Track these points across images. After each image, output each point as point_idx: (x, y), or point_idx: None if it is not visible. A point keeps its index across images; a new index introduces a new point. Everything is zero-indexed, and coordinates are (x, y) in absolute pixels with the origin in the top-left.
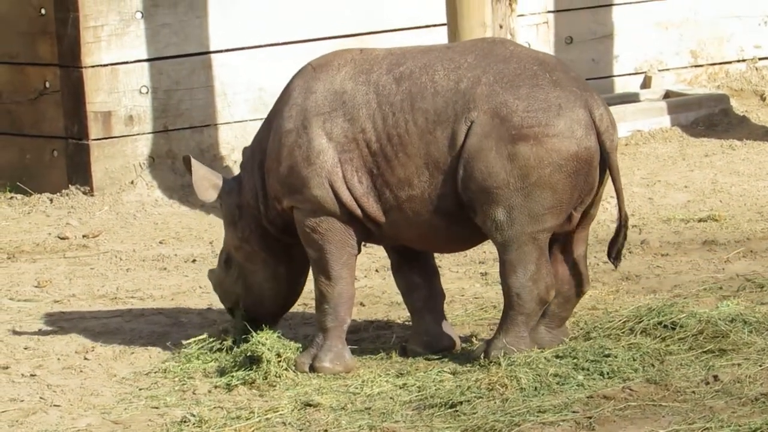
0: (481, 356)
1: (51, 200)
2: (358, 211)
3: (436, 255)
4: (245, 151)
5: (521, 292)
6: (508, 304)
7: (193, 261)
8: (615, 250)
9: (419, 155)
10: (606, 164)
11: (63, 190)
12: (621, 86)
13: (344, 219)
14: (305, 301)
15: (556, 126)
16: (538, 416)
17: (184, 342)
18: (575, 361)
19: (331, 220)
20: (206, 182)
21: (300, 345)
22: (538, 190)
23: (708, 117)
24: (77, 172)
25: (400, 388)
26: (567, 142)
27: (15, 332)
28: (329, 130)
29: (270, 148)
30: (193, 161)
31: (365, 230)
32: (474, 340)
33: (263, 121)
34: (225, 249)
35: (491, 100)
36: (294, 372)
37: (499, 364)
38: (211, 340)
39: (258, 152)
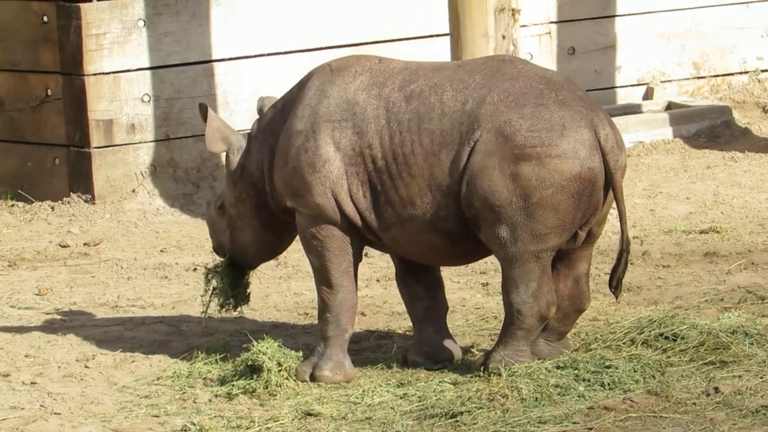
0: (480, 368)
1: (52, 208)
2: (360, 224)
3: None
4: (262, 101)
5: (522, 308)
6: (509, 319)
7: (194, 270)
8: (616, 279)
9: (423, 176)
10: (610, 185)
11: (64, 198)
12: (623, 97)
13: (344, 228)
14: (306, 311)
15: (559, 146)
16: (538, 427)
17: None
18: (576, 372)
19: (330, 227)
20: (218, 134)
21: (301, 354)
22: (541, 210)
23: (710, 129)
24: (79, 180)
25: (401, 398)
26: (570, 163)
27: (16, 340)
28: (337, 140)
29: (280, 142)
30: (210, 112)
31: (365, 239)
32: (475, 350)
33: (280, 100)
34: (222, 196)
35: (495, 119)
36: (295, 381)
37: (500, 375)
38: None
39: (270, 135)
